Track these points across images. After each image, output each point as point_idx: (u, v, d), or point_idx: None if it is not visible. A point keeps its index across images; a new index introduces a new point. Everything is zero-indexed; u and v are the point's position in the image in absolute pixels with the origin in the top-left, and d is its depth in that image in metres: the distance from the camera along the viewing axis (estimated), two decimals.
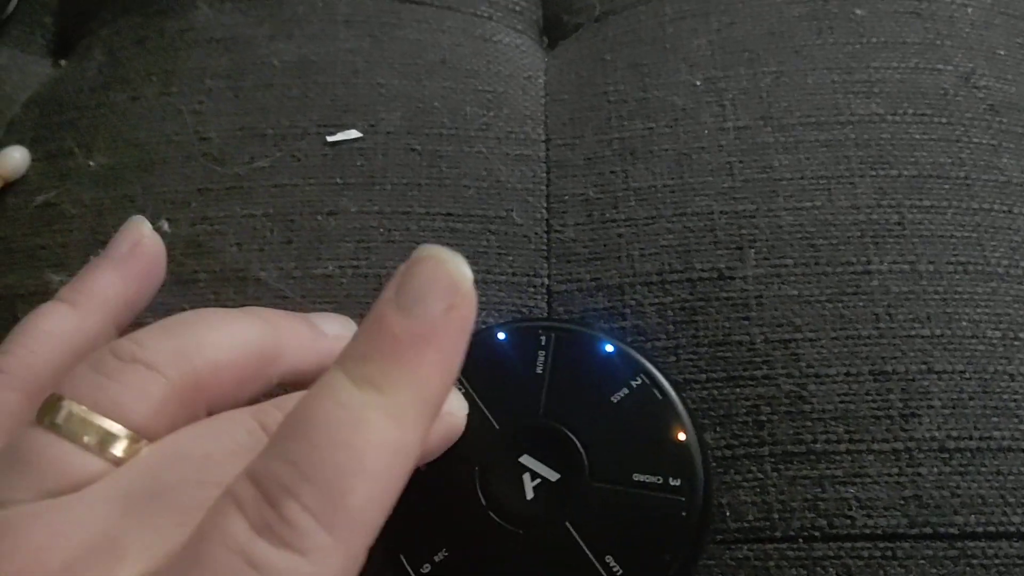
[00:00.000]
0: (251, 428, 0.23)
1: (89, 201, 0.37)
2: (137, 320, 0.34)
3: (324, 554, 0.19)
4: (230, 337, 0.25)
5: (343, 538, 0.19)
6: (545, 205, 0.36)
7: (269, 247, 0.35)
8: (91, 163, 0.37)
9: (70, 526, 0.21)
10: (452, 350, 0.22)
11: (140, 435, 0.22)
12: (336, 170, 0.36)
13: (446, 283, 0.22)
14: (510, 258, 0.35)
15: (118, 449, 0.22)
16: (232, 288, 0.34)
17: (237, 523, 0.19)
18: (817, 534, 0.30)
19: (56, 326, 0.27)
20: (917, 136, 0.36)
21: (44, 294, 0.35)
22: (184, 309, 0.34)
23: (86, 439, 0.22)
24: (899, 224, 0.34)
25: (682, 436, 0.28)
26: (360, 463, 0.20)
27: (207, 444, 0.23)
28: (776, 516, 0.31)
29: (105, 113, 0.39)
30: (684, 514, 0.27)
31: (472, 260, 0.35)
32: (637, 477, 0.28)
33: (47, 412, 0.22)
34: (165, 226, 0.35)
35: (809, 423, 0.32)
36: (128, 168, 0.37)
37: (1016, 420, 0.31)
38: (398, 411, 0.21)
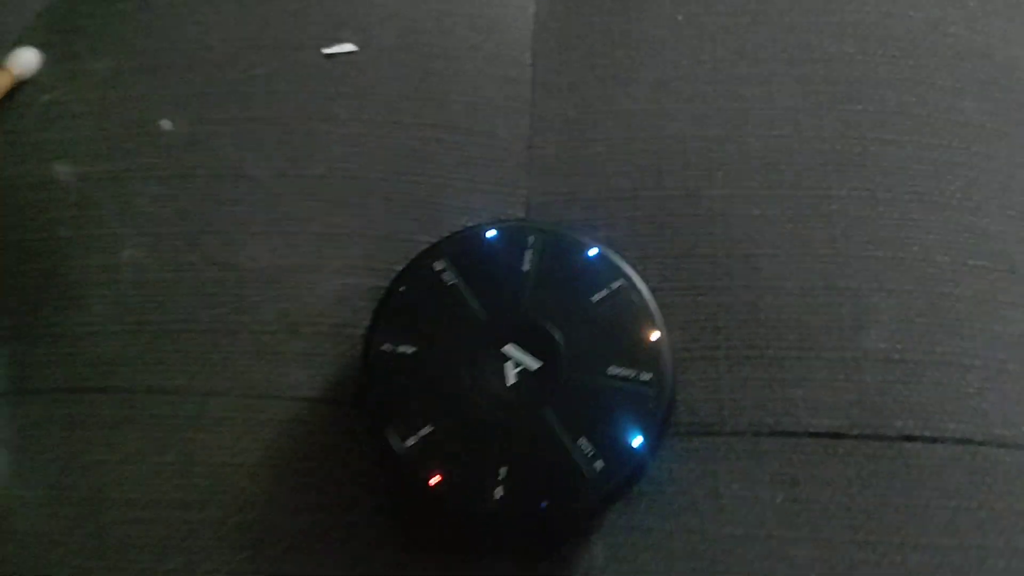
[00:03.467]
0: None
1: (95, 100, 0.39)
2: (146, 206, 0.35)
3: None
4: None
5: None
6: (528, 123, 0.38)
7: (264, 148, 0.37)
8: (98, 66, 0.39)
9: None
10: None
11: None
12: (330, 81, 0.38)
13: None
14: (492, 169, 0.36)
15: None
16: (228, 184, 0.36)
17: None
18: (764, 430, 0.32)
19: None
20: (884, 76, 0.38)
21: (50, 184, 0.38)
22: (183, 203, 0.37)
23: None
24: (860, 155, 0.36)
25: (655, 336, 0.30)
26: None
27: None
28: (726, 413, 0.33)
29: (113, 21, 0.41)
30: (652, 405, 0.29)
31: (457, 170, 0.37)
32: (612, 371, 0.29)
33: None
34: (166, 124, 0.37)
35: (763, 330, 0.33)
36: (133, 72, 0.39)
37: (958, 338, 0.33)
38: None
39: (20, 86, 0.40)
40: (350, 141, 0.37)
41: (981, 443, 0.32)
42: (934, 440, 0.32)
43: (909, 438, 0.32)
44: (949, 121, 0.37)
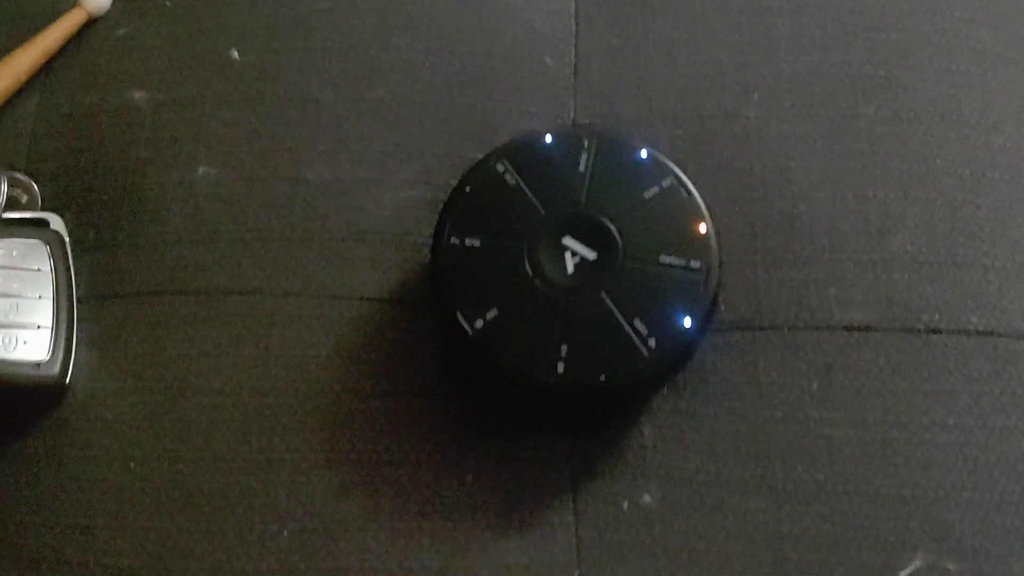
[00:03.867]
0: None
1: (166, 33, 0.41)
2: (219, 128, 0.38)
3: None
4: None
5: None
6: (574, 52, 0.40)
7: (327, 74, 0.39)
8: (168, 3, 0.42)
9: None
10: None
11: None
12: (388, 14, 0.40)
13: None
14: (541, 93, 0.39)
15: None
16: (295, 107, 0.39)
17: None
18: (800, 324, 0.35)
19: None
20: (906, 7, 0.40)
21: (128, 109, 0.40)
22: (254, 125, 0.39)
23: None
24: (885, 78, 0.39)
25: (703, 228, 0.32)
26: None
27: None
28: (764, 310, 0.35)
29: None
30: (701, 290, 0.31)
31: (508, 94, 0.40)
32: (664, 259, 0.32)
33: None
34: (235, 54, 0.40)
35: (798, 236, 0.36)
36: (201, 7, 0.41)
37: (979, 241, 0.36)
38: None
39: (93, 23, 0.43)
40: (408, 68, 0.39)
41: (1002, 335, 0.34)
42: (958, 332, 0.34)
43: (935, 331, 0.34)
44: (967, 50, 0.39)
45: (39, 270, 0.36)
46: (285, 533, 0.33)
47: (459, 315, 0.31)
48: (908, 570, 0.31)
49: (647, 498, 0.33)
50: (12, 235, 0.37)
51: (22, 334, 0.35)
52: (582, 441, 0.34)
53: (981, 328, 0.34)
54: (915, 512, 0.32)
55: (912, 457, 0.33)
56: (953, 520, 0.32)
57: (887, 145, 0.37)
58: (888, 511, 0.32)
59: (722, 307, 0.35)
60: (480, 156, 0.35)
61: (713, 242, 0.32)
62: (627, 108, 0.39)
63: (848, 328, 0.35)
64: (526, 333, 0.31)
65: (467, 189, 0.33)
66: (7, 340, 0.34)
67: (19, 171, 0.40)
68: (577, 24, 0.41)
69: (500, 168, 0.33)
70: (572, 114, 0.39)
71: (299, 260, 0.37)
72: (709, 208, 0.33)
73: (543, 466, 0.33)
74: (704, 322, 0.32)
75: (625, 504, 0.33)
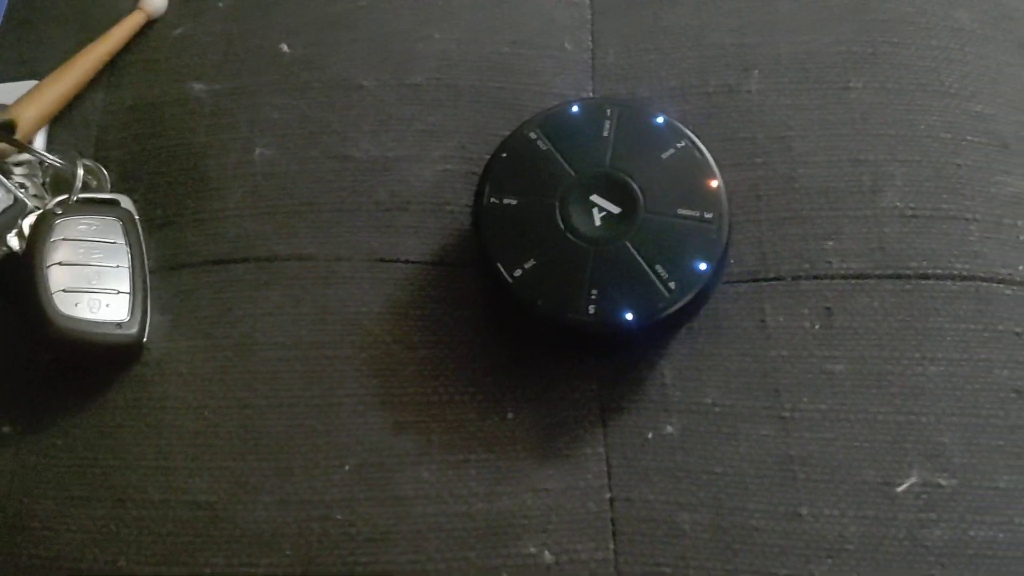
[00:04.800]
0: None
1: (220, 31, 0.45)
2: (272, 113, 0.42)
3: None
4: None
5: None
6: (590, 38, 0.44)
7: (369, 63, 0.43)
8: (220, 4, 0.46)
9: None
10: None
11: None
12: (421, 8, 0.45)
13: None
14: (562, 76, 0.43)
15: None
16: (341, 93, 0.43)
17: None
18: (802, 274, 0.38)
19: None
20: None
21: (187, 99, 0.44)
22: (304, 110, 0.43)
23: None
24: (872, 55, 0.43)
25: (714, 184, 0.36)
26: None
27: None
28: (769, 262, 0.39)
29: None
30: (715, 236, 0.35)
31: (532, 77, 0.44)
32: (680, 211, 0.36)
33: None
34: (284, 47, 0.44)
35: (798, 196, 0.40)
36: (251, 7, 0.46)
37: (960, 196, 0.40)
38: None
39: (152, 24, 0.47)
40: (442, 56, 0.43)
41: (984, 279, 0.38)
42: (944, 277, 0.38)
43: (924, 276, 0.38)
44: (946, 28, 0.44)
45: (115, 243, 0.40)
46: (347, 467, 0.36)
47: (500, 266, 0.35)
48: (904, 486, 0.35)
49: (669, 429, 0.36)
50: (89, 212, 0.41)
51: (104, 298, 0.39)
52: (609, 381, 0.37)
53: (964, 273, 0.38)
54: (909, 435, 0.36)
55: (905, 387, 0.36)
56: (944, 441, 0.35)
57: (876, 114, 0.41)
58: (885, 435, 0.36)
59: (731, 260, 0.39)
60: (509, 132, 0.39)
61: (723, 195, 0.36)
62: (640, 87, 0.43)
63: (845, 276, 0.38)
64: (560, 280, 0.35)
65: (504, 155, 0.37)
66: (92, 303, 0.38)
67: (88, 159, 0.44)
68: (593, 13, 0.45)
69: (533, 136, 0.37)
70: (590, 94, 0.43)
71: (349, 228, 0.41)
72: (719, 166, 0.37)
73: (575, 404, 0.37)
74: (718, 266, 0.35)
75: (650, 434, 0.36)
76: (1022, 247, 0.39)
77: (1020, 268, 0.38)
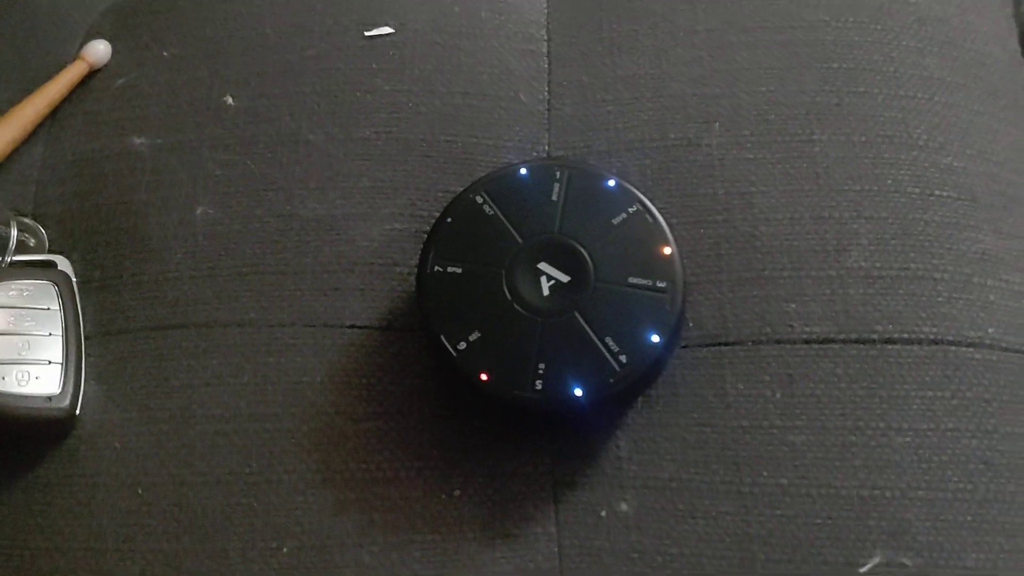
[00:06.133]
0: None
1: (164, 82, 0.44)
2: (216, 169, 0.40)
3: None
4: None
5: None
6: (547, 89, 0.43)
7: (316, 116, 0.42)
8: (165, 53, 0.44)
9: None
10: None
11: None
12: (372, 58, 0.43)
13: None
14: (517, 128, 0.42)
15: None
16: (287, 148, 0.41)
17: None
18: (763, 339, 0.37)
19: None
20: (856, 39, 0.43)
21: (129, 154, 0.43)
22: (248, 166, 0.41)
23: None
24: (837, 105, 0.41)
25: (667, 251, 0.35)
26: None
27: None
28: (730, 326, 0.37)
29: (176, 15, 0.46)
30: (668, 307, 0.34)
31: (486, 130, 0.43)
32: (632, 280, 0.34)
33: None
34: (229, 100, 0.42)
35: (759, 255, 0.38)
36: (197, 57, 0.44)
37: (928, 255, 0.38)
38: None
39: (94, 74, 0.45)
40: (392, 108, 0.42)
41: (952, 343, 0.37)
42: (911, 342, 0.37)
43: (889, 340, 0.37)
44: (914, 76, 0.42)
45: (48, 309, 0.39)
46: (285, 550, 0.35)
47: (443, 338, 0.34)
48: (868, 566, 0.33)
49: (624, 506, 0.35)
50: (22, 277, 0.39)
51: (34, 370, 0.37)
52: (562, 454, 0.36)
53: (932, 337, 0.37)
54: (873, 511, 0.34)
55: (870, 459, 0.35)
56: (909, 517, 0.34)
57: (840, 168, 0.40)
58: (848, 511, 0.34)
59: (690, 324, 0.38)
60: (461, 189, 0.38)
61: (677, 263, 0.34)
62: (598, 140, 0.41)
63: (808, 341, 0.37)
64: (506, 353, 0.33)
65: (449, 220, 0.36)
66: (20, 376, 0.36)
67: (27, 216, 0.43)
68: (549, 63, 0.44)
69: (479, 200, 0.36)
70: (547, 147, 0.42)
71: (293, 292, 0.39)
72: (673, 231, 0.36)
73: (526, 479, 0.36)
74: (671, 338, 0.34)
75: (604, 512, 0.35)
76: (991, 308, 0.38)
77: (990, 331, 0.37)
